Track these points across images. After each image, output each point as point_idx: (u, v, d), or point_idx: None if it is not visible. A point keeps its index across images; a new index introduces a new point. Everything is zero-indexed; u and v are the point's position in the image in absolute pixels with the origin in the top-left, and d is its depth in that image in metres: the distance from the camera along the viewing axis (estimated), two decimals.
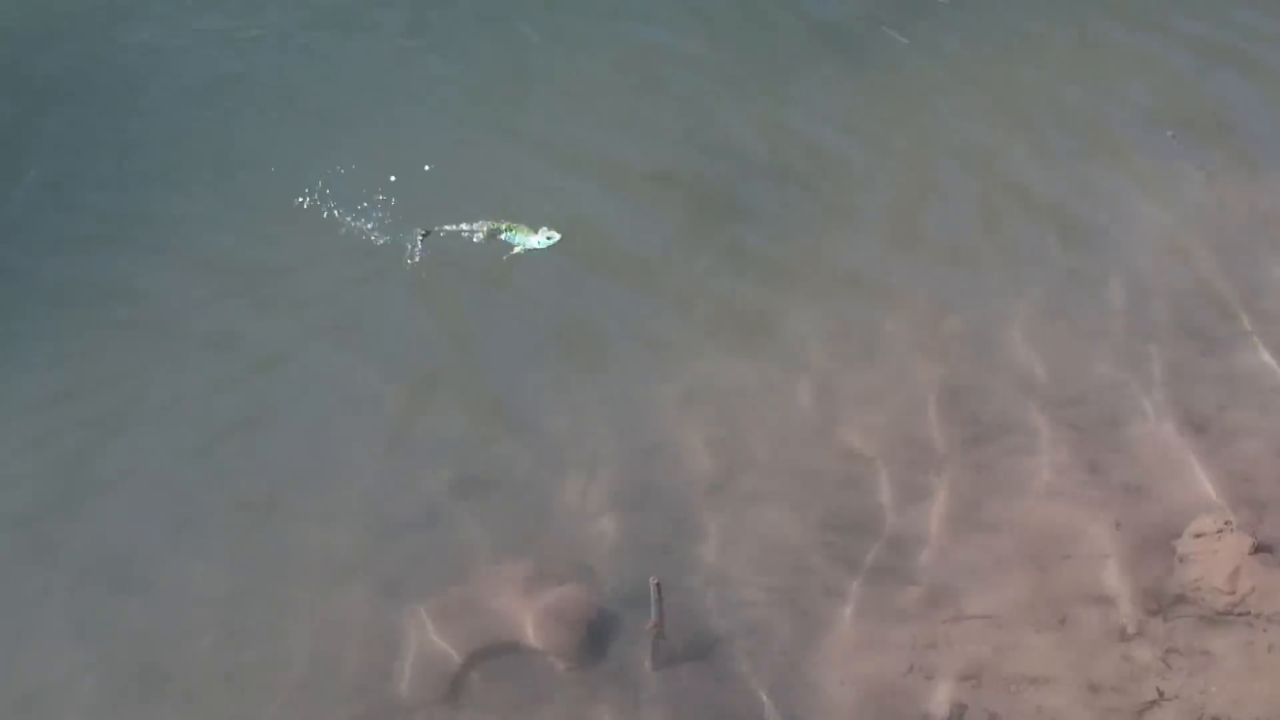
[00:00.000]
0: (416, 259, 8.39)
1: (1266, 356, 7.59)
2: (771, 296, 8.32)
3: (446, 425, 7.68)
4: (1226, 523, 6.63)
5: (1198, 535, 6.63)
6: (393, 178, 8.94)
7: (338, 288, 8.48)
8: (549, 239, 8.25)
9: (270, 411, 7.79)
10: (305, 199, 8.84)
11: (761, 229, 8.87)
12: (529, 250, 8.32)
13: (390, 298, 8.42)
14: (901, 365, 7.87)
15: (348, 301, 8.41)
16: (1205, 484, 6.98)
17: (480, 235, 8.39)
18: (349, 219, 8.67)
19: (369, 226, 8.63)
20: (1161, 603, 6.53)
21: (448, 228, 8.48)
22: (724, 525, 7.10)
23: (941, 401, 7.58)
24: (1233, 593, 6.45)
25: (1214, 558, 6.53)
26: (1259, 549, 6.55)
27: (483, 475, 7.38)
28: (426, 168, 9.03)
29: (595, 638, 6.65)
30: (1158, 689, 6.21)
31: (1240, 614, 6.41)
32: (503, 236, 8.36)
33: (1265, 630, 6.35)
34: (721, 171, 9.32)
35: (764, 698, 6.45)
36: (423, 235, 8.42)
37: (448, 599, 6.80)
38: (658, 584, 6.55)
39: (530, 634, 6.66)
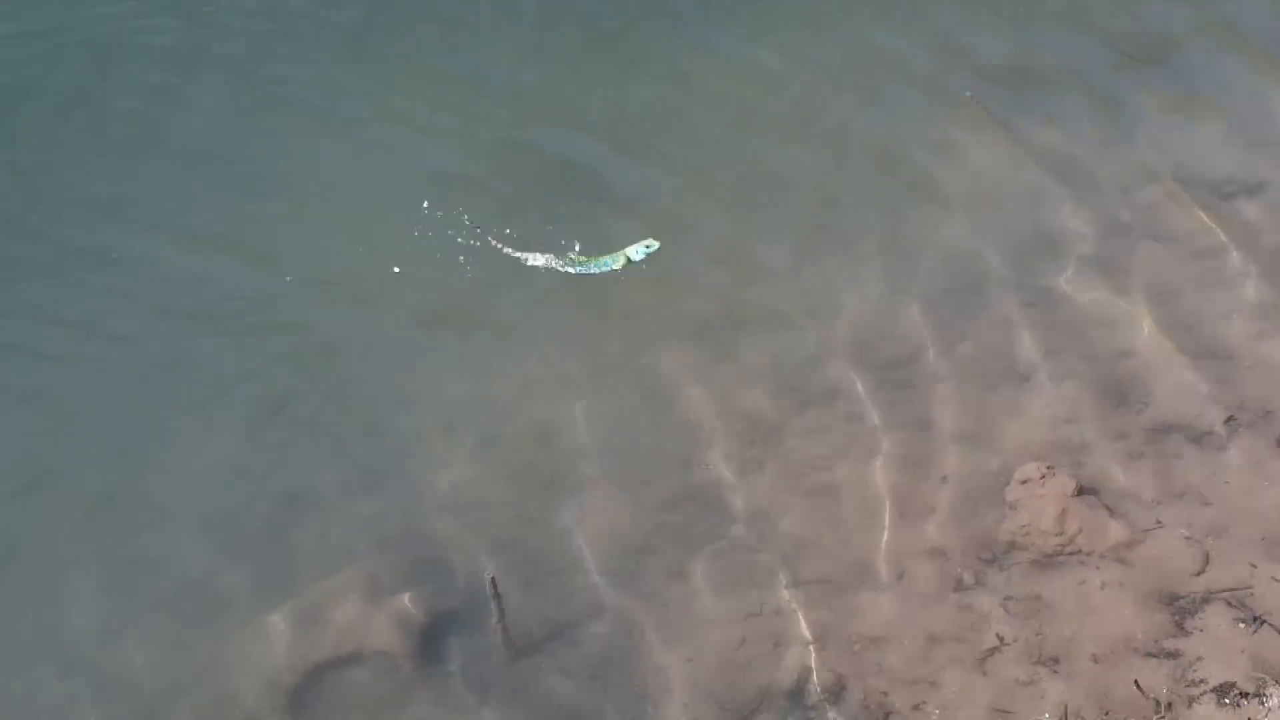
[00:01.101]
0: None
1: (1083, 300, 7.70)
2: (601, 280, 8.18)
3: (282, 428, 7.50)
4: (1049, 467, 6.71)
5: (1023, 481, 6.71)
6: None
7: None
8: (647, 248, 7.72)
9: (110, 410, 7.60)
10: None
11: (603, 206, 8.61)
12: (632, 263, 7.76)
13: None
14: (725, 337, 7.80)
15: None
16: (1032, 430, 7.06)
17: (569, 267, 7.86)
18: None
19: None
20: (995, 551, 6.59)
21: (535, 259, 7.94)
22: (563, 512, 7.03)
23: (768, 371, 7.57)
24: (1061, 534, 6.53)
25: (1040, 502, 6.61)
26: (1082, 490, 6.64)
27: (317, 480, 7.23)
28: None
29: (437, 639, 6.57)
30: (997, 635, 6.27)
31: (1070, 554, 6.50)
32: (592, 270, 7.81)
33: (1097, 568, 6.44)
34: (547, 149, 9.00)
35: (612, 683, 6.41)
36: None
37: (285, 610, 6.66)
38: (493, 579, 6.52)
39: (371, 640, 6.54)
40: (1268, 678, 5.89)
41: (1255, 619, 6.15)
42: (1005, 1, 9.66)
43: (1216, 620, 6.18)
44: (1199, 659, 6.04)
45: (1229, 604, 6.24)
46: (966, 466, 6.94)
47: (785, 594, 6.61)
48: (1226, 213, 8.07)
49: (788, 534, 6.86)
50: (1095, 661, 6.12)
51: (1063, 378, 7.29)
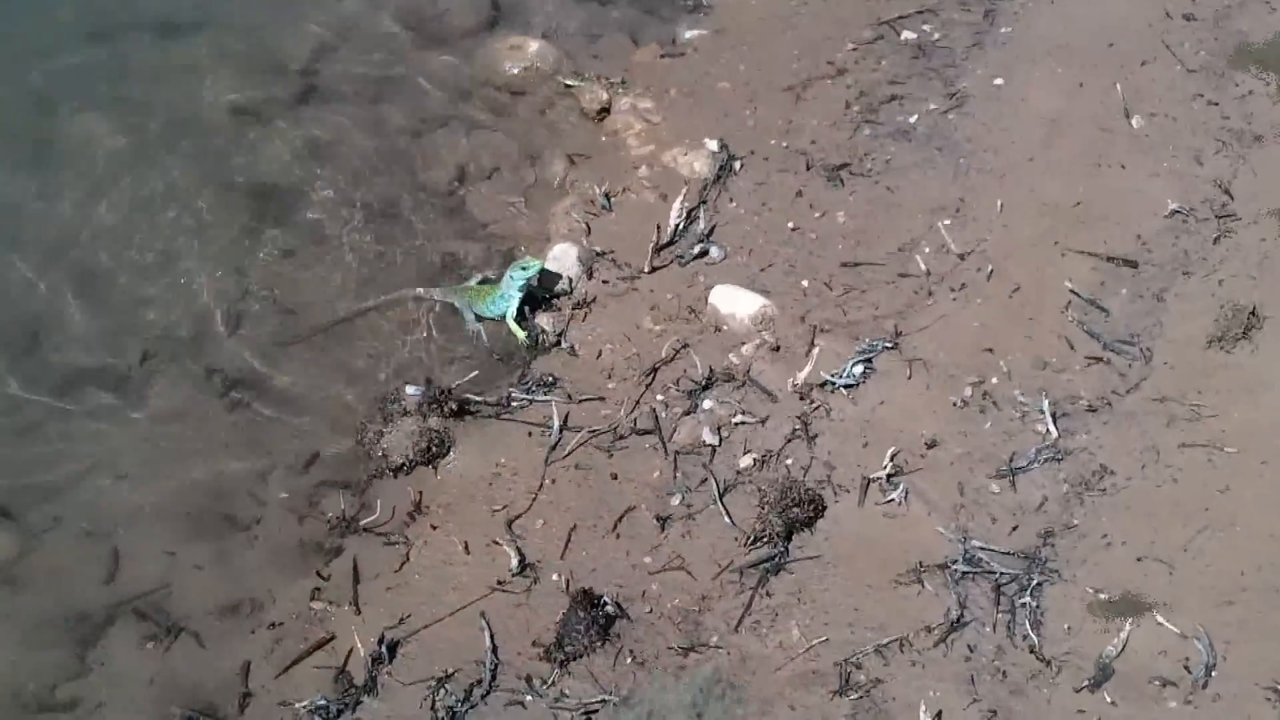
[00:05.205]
0: None
1: None
2: None
3: None
4: None
5: None
6: None
7: None
8: (524, 269, 5.95)
9: None
10: None
11: None
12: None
13: None
14: None
15: None
16: None
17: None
18: None
19: None
20: None
21: None
22: None
23: None
24: None
25: None
26: None
27: None
28: None
29: None
30: None
31: None
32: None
33: None
34: None
35: None
36: None
37: None
38: None
39: None
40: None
41: (169, 630, 4.80)
42: None
43: (123, 643, 4.80)
44: (100, 706, 4.68)
45: (140, 615, 4.86)
46: None
47: None
48: None
49: None
50: None
51: None
